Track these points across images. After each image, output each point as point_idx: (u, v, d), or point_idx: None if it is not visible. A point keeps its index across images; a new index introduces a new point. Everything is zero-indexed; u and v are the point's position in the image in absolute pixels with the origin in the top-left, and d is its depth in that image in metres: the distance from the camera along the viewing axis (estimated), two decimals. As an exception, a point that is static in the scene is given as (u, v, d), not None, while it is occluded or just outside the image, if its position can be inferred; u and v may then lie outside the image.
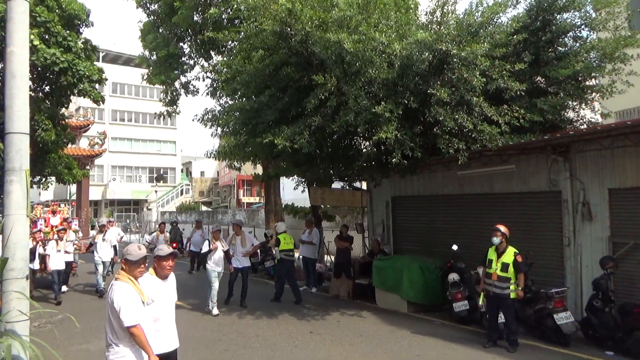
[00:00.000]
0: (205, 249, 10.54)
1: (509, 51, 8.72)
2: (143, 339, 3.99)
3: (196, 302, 11.03)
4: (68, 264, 12.24)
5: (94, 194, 41.26)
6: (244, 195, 44.74)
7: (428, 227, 11.74)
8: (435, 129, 8.88)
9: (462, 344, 7.67)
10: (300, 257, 13.53)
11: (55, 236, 12.09)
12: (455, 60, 8.20)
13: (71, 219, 16.52)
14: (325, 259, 15.12)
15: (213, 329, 8.74)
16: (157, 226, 20.47)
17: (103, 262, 12.45)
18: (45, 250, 11.84)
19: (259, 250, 15.20)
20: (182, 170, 52.27)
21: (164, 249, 4.58)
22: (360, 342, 7.92)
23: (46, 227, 13.75)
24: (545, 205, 9.11)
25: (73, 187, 34.94)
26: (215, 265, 10.18)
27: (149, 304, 4.25)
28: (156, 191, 42.37)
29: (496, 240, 7.53)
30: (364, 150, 10.35)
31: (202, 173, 54.34)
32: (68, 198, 36.02)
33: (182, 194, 49.00)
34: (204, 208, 44.36)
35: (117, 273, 4.23)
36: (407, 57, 8.30)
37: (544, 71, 9.17)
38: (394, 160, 8.38)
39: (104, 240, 12.55)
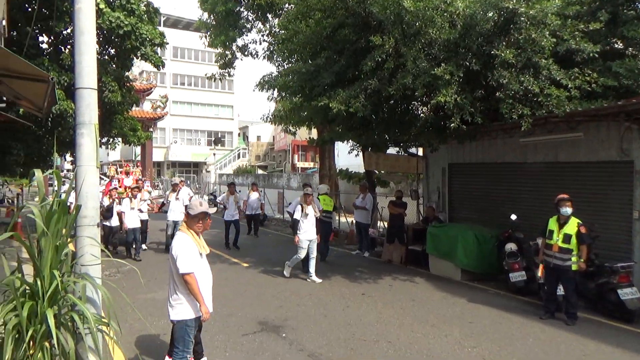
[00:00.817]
0: (297, 215, 9.80)
1: (582, 9, 8.15)
2: (195, 287, 4.20)
3: (253, 261, 11.42)
4: (143, 222, 12.55)
5: (157, 155, 43.03)
6: (298, 160, 45.20)
7: (485, 195, 11.43)
8: (497, 93, 8.50)
9: (517, 314, 7.53)
10: (354, 221, 13.61)
11: (130, 194, 12.56)
12: (522, 19, 7.74)
13: (143, 180, 16.89)
14: (378, 224, 15.13)
15: (268, 287, 9.04)
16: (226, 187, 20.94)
17: (175, 222, 12.25)
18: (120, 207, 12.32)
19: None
20: (239, 135, 53.32)
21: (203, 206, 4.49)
22: (412, 306, 7.95)
23: (120, 187, 14.09)
24: (614, 176, 8.61)
25: (138, 149, 36.56)
26: (306, 233, 9.64)
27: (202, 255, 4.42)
28: (214, 154, 43.57)
29: (568, 210, 7.23)
30: (421, 115, 10.10)
31: (258, 137, 55.19)
32: (133, 159, 37.73)
33: (238, 157, 50.11)
34: (259, 172, 45.26)
35: (181, 225, 4.46)
36: (471, 17, 7.92)
37: (621, 31, 8.50)
38: (452, 125, 8.14)
39: (177, 199, 12.45)
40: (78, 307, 3.41)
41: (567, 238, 7.14)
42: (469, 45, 8.08)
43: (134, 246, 11.94)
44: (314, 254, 9.72)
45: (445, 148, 11.94)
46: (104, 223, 12.03)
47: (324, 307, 7.79)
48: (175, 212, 12.33)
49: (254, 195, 16.56)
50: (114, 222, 12.29)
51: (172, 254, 4.25)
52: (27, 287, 3.45)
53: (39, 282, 3.37)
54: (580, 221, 7.20)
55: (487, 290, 9.19)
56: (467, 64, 8.00)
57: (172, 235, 12.11)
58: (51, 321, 3.23)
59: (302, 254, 9.69)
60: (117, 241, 12.83)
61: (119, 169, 16.05)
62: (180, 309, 4.29)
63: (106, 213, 12.16)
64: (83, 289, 3.44)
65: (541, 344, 6.25)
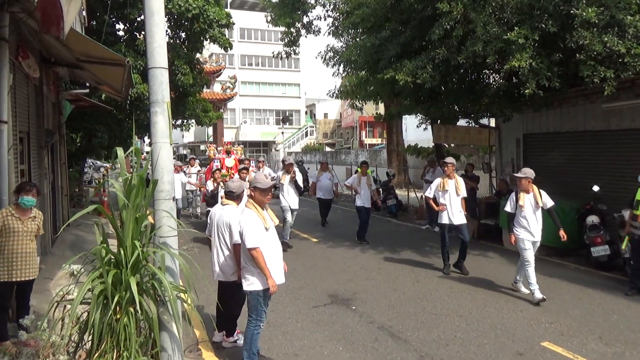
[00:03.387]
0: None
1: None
2: (261, 262, 4.33)
3: (322, 236, 11.62)
4: None
5: (228, 136, 44.36)
6: (366, 137, 44.92)
7: (564, 166, 10.78)
8: (577, 56, 7.92)
9: (600, 290, 7.12)
10: (423, 196, 13.40)
11: (236, 176, 10.48)
12: (605, -28, 7.12)
13: (249, 159, 15.34)
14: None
15: (337, 261, 9.15)
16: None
17: (291, 210, 10.19)
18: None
19: (381, 189, 15.40)
20: (306, 113, 53.74)
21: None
22: (485, 281, 7.74)
23: (221, 168, 12.68)
24: None
25: (210, 130, 37.89)
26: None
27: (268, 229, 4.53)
28: (282, 133, 44.28)
29: None
30: (493, 83, 9.67)
31: (325, 115, 55.34)
32: (206, 139, 39.20)
33: (306, 135, 50.59)
34: (327, 149, 45.49)
35: (247, 201, 4.60)
36: (547, -26, 7.40)
37: None
38: (527, 92, 7.71)
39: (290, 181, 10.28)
40: (158, 275, 3.63)
41: (656, 209, 6.65)
42: (545, 6, 7.56)
43: None
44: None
45: (519, 118, 11.36)
46: (208, 209, 10.56)
47: (393, 281, 7.78)
48: (291, 197, 10.23)
49: (326, 176, 12.98)
50: None
51: (240, 230, 4.42)
52: (112, 257, 3.73)
53: (122, 252, 3.62)
54: (672, 191, 6.63)
55: (566, 265, 8.76)
56: (543, 25, 7.50)
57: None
58: (134, 288, 3.47)
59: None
60: None
61: (218, 149, 14.87)
62: (252, 280, 4.45)
63: (210, 200, 10.84)
64: (162, 258, 3.66)
65: (626, 321, 5.89)
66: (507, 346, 5.20)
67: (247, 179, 9.77)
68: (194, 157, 18.18)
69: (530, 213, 6.75)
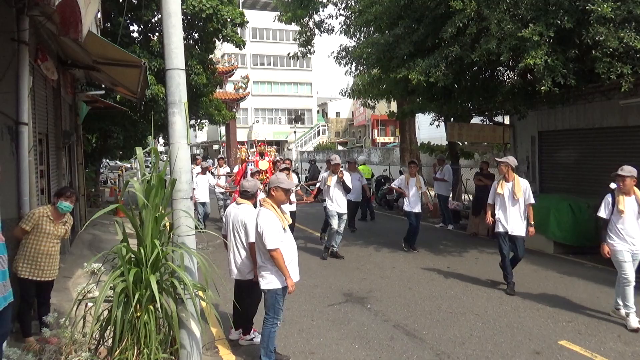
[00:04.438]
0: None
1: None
2: (281, 262, 4.36)
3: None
4: (293, 214, 9.33)
5: (241, 135, 44.54)
6: (378, 135, 44.85)
7: (580, 164, 10.68)
8: (593, 52, 7.85)
9: (617, 289, 7.04)
10: (435, 194, 13.39)
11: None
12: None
13: (282, 159, 13.21)
14: (463, 197, 14.72)
15: (351, 259, 9.16)
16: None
17: (339, 215, 9.15)
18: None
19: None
20: (318, 112, 53.77)
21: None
22: (500, 279, 7.70)
23: (256, 168, 11.58)
24: None
25: (223, 130, 38.08)
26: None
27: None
28: (295, 132, 44.37)
29: None
30: (507, 80, 9.60)
31: (337, 114, 55.30)
32: (219, 139, 39.43)
33: (318, 134, 50.64)
34: (340, 148, 45.47)
35: (263, 200, 4.63)
36: (562, -30, 7.33)
37: None
38: (542, 89, 7.64)
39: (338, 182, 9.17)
40: (177, 274, 3.68)
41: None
42: (560, 2, 7.49)
43: None
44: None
45: (534, 115, 11.28)
46: None
47: (407, 279, 7.78)
48: (339, 200, 9.17)
49: (354, 177, 10.90)
50: None
51: (258, 230, 4.45)
52: (132, 255, 3.79)
53: (142, 251, 3.68)
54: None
55: (583, 263, 8.68)
56: (558, 22, 7.43)
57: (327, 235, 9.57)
58: (154, 286, 3.53)
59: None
60: None
61: (250, 150, 13.20)
62: (270, 279, 4.49)
63: None
64: (181, 257, 3.72)
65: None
66: (523, 345, 5.18)
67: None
68: (223, 157, 16.58)
69: (632, 220, 5.72)
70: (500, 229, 7.09)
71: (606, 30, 7.09)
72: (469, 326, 5.74)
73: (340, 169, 9.19)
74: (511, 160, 7.10)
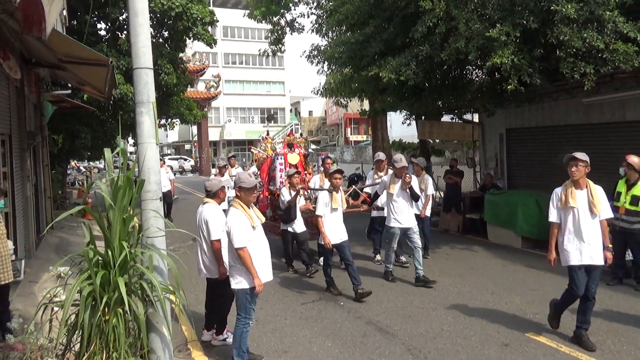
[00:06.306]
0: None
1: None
2: (247, 261, 4.37)
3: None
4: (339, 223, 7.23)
5: (213, 135, 44.16)
6: (351, 134, 45.08)
7: (547, 160, 10.95)
8: (558, 52, 8.06)
9: (582, 281, 7.26)
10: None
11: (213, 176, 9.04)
12: (584, -32, 7.24)
13: (327, 156, 10.00)
14: (435, 194, 14.90)
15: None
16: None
17: (403, 231, 7.46)
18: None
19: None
20: (291, 110, 53.69)
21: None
22: (470, 274, 7.86)
23: (284, 164, 9.40)
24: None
25: (194, 129, 37.66)
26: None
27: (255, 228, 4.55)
28: (267, 131, 44.13)
29: (621, 170, 6.89)
30: (476, 79, 9.77)
31: (310, 112, 55.34)
32: (190, 139, 38.99)
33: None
34: (313, 146, 45.51)
35: (233, 200, 4.62)
36: (527, -29, 7.49)
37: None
38: (509, 87, 7.81)
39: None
40: (146, 276, 3.63)
41: (635, 200, 6.77)
42: (526, 3, 7.65)
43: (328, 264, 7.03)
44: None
45: (502, 113, 11.52)
46: (284, 228, 8.08)
47: (380, 276, 7.84)
48: (405, 212, 7.43)
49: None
50: (300, 226, 7.95)
51: (227, 229, 4.46)
52: (100, 258, 3.72)
53: (109, 253, 3.62)
54: (650, 183, 6.73)
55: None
56: (524, 22, 7.60)
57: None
58: (122, 288, 3.47)
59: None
60: (306, 254, 8.01)
61: (278, 142, 10.54)
62: (240, 279, 4.48)
63: (284, 214, 7.90)
64: (150, 259, 3.67)
65: (608, 310, 6.03)
66: (493, 338, 5.30)
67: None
68: (234, 155, 15.09)
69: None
70: (574, 261, 4.91)
71: (570, 31, 7.29)
72: (440, 321, 5.83)
73: (406, 172, 7.37)
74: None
